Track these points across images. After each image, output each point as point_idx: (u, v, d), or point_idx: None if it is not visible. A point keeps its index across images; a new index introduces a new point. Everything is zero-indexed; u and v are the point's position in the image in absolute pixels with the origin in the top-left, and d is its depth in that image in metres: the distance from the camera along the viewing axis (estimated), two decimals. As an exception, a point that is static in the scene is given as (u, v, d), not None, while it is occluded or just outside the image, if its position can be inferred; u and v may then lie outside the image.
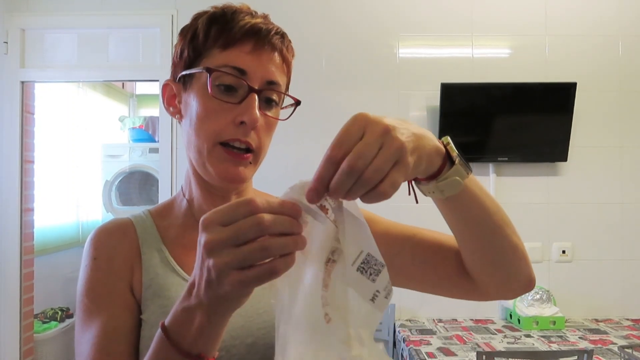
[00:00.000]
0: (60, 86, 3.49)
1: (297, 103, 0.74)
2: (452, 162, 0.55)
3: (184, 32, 0.73)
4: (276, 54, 0.70)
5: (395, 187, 0.47)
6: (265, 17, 0.72)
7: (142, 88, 4.59)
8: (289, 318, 0.49)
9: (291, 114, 0.74)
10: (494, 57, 2.49)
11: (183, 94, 0.73)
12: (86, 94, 3.84)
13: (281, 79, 0.71)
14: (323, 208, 0.50)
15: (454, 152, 0.55)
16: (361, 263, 0.51)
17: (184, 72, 0.71)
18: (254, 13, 0.71)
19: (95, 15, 2.50)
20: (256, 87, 0.68)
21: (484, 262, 0.67)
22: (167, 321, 0.52)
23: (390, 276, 0.76)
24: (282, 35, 0.72)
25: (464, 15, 2.48)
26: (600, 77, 2.46)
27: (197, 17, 0.72)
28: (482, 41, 2.48)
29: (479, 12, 2.48)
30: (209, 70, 0.67)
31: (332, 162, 0.46)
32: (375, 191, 0.46)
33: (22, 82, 2.53)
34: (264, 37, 0.69)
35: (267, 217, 0.44)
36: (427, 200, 0.63)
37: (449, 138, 0.56)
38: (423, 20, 2.48)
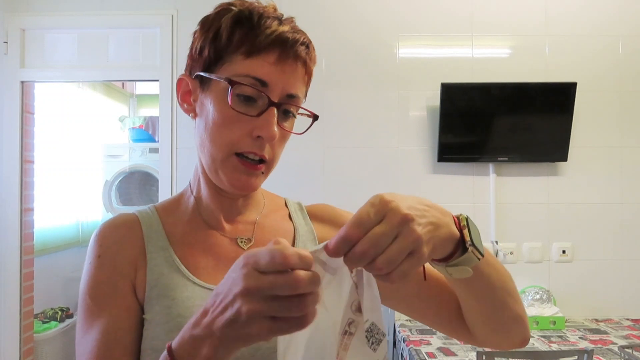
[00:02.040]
0: (60, 86, 3.49)
1: (315, 117, 0.73)
2: (465, 247, 0.54)
3: (205, 26, 0.70)
4: (299, 64, 0.69)
5: (405, 277, 0.47)
6: (291, 22, 0.70)
7: (142, 88, 4.59)
8: None
9: (307, 129, 0.73)
10: (494, 57, 2.49)
11: (200, 94, 0.71)
12: (86, 94, 3.84)
13: (301, 91, 0.70)
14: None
15: (468, 239, 0.54)
16: (365, 331, 0.51)
17: (203, 74, 0.69)
18: (280, 17, 0.69)
19: (95, 15, 2.50)
20: (276, 101, 0.67)
21: (482, 324, 0.69)
22: (174, 344, 0.51)
23: (394, 303, 0.78)
24: (307, 46, 0.70)
25: (464, 15, 2.48)
26: (600, 77, 2.46)
27: (221, 13, 0.69)
28: (482, 41, 2.48)
29: (479, 12, 2.48)
30: (231, 82, 0.65)
31: (347, 242, 0.46)
32: (385, 277, 0.47)
33: (22, 82, 2.52)
34: (289, 48, 0.67)
35: (303, 276, 0.44)
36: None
37: (467, 219, 0.55)
38: (423, 20, 2.48)
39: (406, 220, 0.47)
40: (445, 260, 0.55)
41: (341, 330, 0.51)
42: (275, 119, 0.66)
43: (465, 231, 0.54)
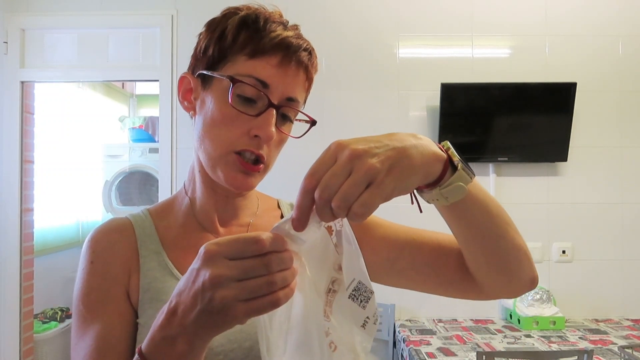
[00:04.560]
0: (60, 86, 3.49)
1: (313, 123, 0.73)
2: (454, 168, 0.54)
3: (211, 27, 0.71)
4: (301, 70, 0.70)
5: (368, 207, 0.46)
6: (296, 28, 0.71)
7: (142, 88, 4.59)
8: (283, 347, 0.51)
9: (305, 133, 0.73)
10: (494, 57, 2.49)
11: (201, 92, 0.72)
12: (86, 94, 3.84)
13: (300, 96, 0.71)
14: (329, 228, 0.52)
15: (456, 157, 0.54)
16: (353, 290, 0.54)
17: (206, 72, 0.70)
18: (285, 23, 0.71)
19: (95, 15, 2.50)
20: (275, 103, 0.68)
21: (488, 264, 0.67)
22: (144, 347, 0.51)
23: (391, 279, 0.78)
24: (310, 52, 0.71)
25: (464, 15, 2.48)
26: (600, 77, 2.46)
27: (227, 16, 0.70)
28: (482, 41, 2.48)
29: (479, 12, 2.48)
30: (233, 80, 0.66)
31: (306, 192, 0.48)
32: (349, 214, 0.47)
33: (22, 82, 2.52)
34: (292, 53, 0.68)
35: (274, 259, 0.47)
36: (432, 207, 0.63)
37: (449, 143, 0.56)
38: (423, 20, 2.48)
39: (355, 155, 0.47)
40: (436, 185, 0.55)
41: (326, 290, 0.53)
42: (274, 119, 0.67)
43: (451, 151, 0.55)
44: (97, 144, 3.85)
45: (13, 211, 2.49)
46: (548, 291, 2.30)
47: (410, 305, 2.43)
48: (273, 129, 0.66)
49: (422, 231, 0.76)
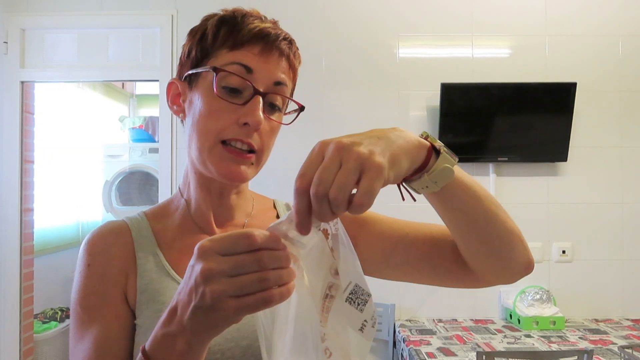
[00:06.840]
0: (60, 86, 3.49)
1: (301, 109, 0.74)
2: (437, 153, 0.56)
3: (193, 32, 0.73)
4: (283, 59, 0.71)
5: (371, 194, 0.46)
6: (274, 22, 0.73)
7: (142, 88, 4.59)
8: (281, 350, 0.51)
9: (294, 119, 0.74)
10: (494, 57, 2.49)
11: (188, 93, 0.73)
12: (86, 94, 3.84)
13: (287, 83, 0.72)
14: (325, 232, 0.52)
15: (437, 143, 0.56)
16: (350, 294, 0.53)
17: (190, 72, 0.72)
18: (263, 18, 0.72)
19: (95, 15, 2.50)
20: (261, 90, 0.68)
21: (482, 251, 0.66)
22: (147, 345, 0.52)
23: (387, 273, 0.78)
24: (290, 42, 0.72)
25: (464, 15, 2.48)
26: (600, 77, 2.46)
27: (207, 19, 0.73)
28: (482, 41, 2.48)
29: (479, 12, 2.48)
30: (216, 70, 0.67)
31: (300, 193, 0.47)
32: (353, 206, 0.46)
33: (22, 82, 2.52)
34: (272, 42, 0.69)
35: (266, 254, 0.47)
36: (424, 201, 0.63)
37: (427, 132, 0.57)
38: (423, 20, 2.48)
39: (342, 147, 0.47)
40: (423, 171, 0.55)
41: (322, 295, 0.53)
42: (261, 106, 0.67)
43: (431, 138, 0.56)
44: (97, 144, 3.85)
45: (13, 211, 2.49)
46: (548, 291, 2.30)
47: (410, 305, 2.43)
48: (261, 114, 0.67)
49: (416, 225, 0.76)
